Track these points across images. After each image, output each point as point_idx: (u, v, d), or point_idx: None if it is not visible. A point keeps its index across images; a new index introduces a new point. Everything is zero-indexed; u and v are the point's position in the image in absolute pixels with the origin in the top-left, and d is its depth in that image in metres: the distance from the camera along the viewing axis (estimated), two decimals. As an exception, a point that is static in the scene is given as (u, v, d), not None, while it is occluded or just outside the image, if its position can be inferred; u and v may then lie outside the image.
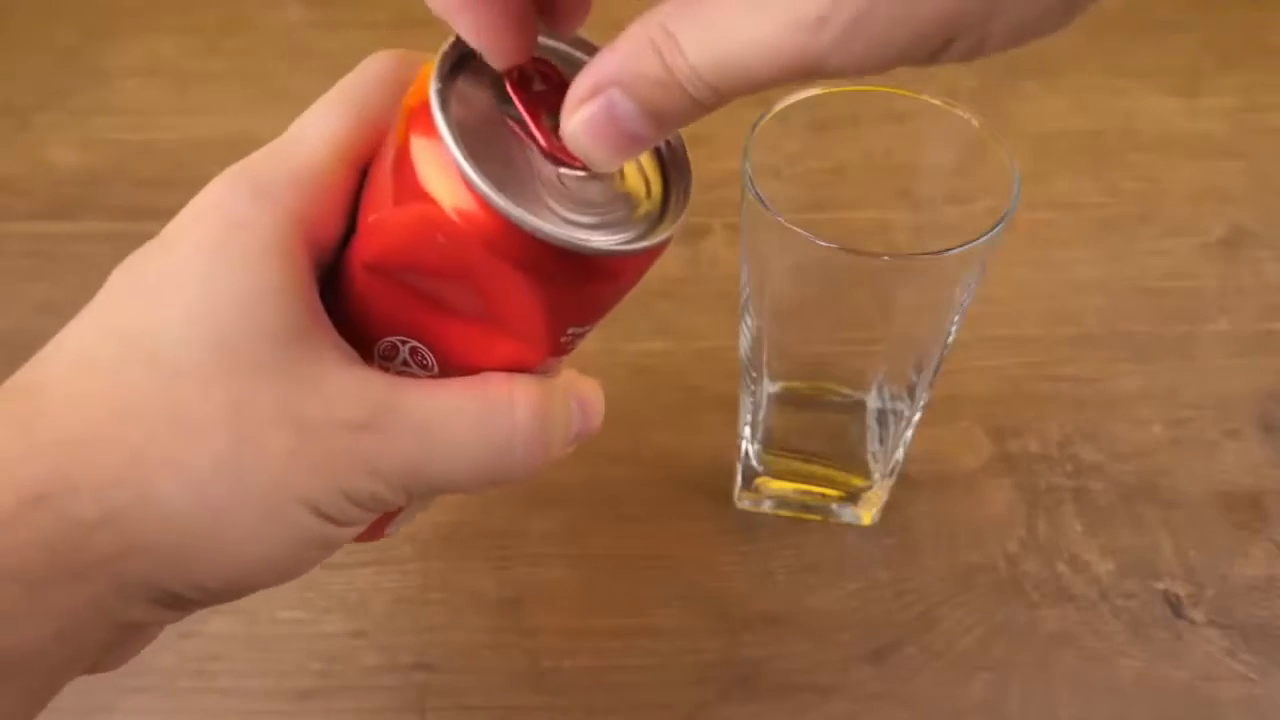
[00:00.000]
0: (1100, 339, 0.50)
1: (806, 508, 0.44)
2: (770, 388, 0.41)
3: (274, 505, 0.24)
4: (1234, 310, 0.51)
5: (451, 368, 0.26)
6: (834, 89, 0.37)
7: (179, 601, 0.25)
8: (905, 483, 0.45)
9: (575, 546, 0.44)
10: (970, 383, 0.48)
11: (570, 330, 0.26)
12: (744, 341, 0.40)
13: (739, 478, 0.44)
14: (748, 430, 0.43)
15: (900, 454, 0.42)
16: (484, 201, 0.23)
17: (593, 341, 0.49)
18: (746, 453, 0.43)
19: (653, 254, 0.25)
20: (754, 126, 0.35)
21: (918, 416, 0.41)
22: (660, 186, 0.26)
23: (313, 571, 0.42)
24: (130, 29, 0.66)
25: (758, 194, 0.34)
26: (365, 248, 0.26)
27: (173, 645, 0.41)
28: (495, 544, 0.43)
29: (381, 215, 0.25)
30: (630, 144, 0.23)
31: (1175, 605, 0.42)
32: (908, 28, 0.19)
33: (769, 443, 0.43)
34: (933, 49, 0.20)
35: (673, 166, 0.27)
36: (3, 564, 0.22)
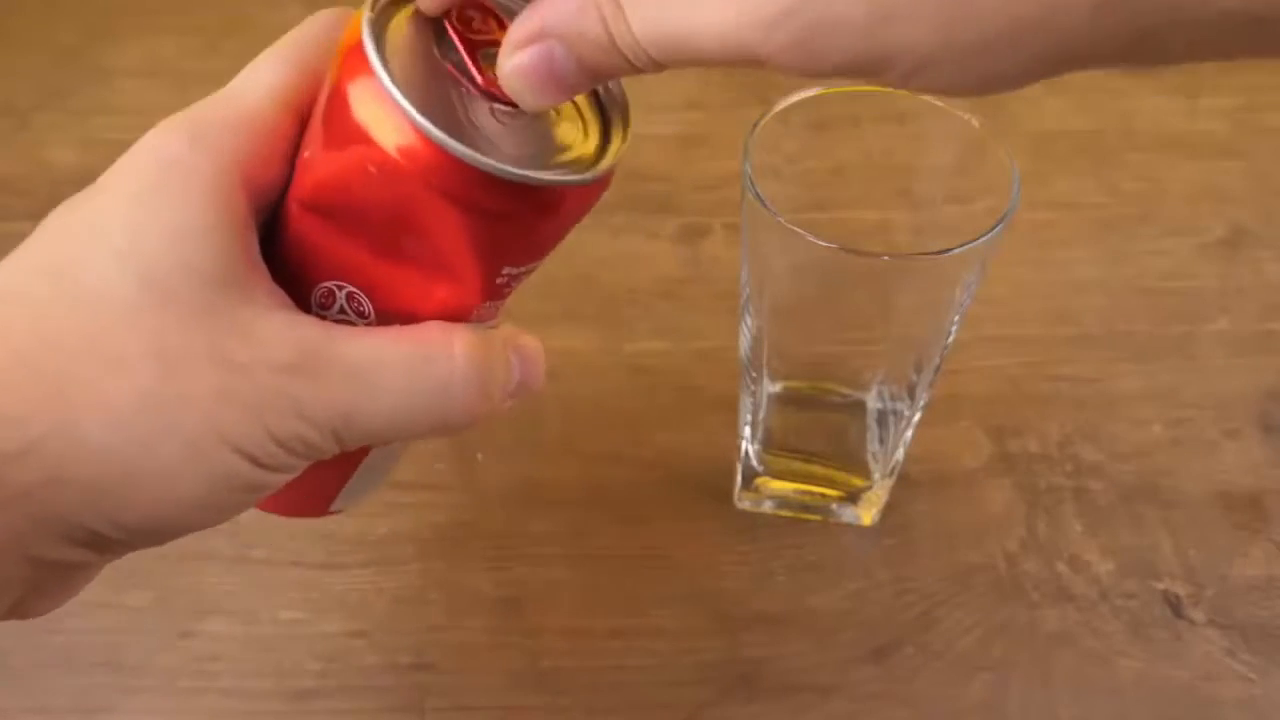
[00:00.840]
0: (1100, 339, 0.50)
1: (806, 508, 0.44)
2: (770, 388, 0.41)
3: (197, 443, 0.24)
4: (1234, 310, 0.51)
5: (389, 314, 0.26)
6: (834, 89, 0.37)
7: (99, 540, 0.24)
8: (905, 483, 0.45)
9: (575, 546, 0.44)
10: (970, 383, 0.48)
11: (506, 270, 0.26)
12: (744, 341, 0.40)
13: (739, 478, 0.44)
14: (748, 430, 0.43)
15: (900, 454, 0.42)
16: (419, 132, 0.23)
17: (593, 341, 0.50)
18: (746, 453, 0.43)
19: (589, 191, 0.26)
20: (754, 126, 0.35)
21: (918, 416, 0.41)
22: (599, 128, 0.27)
23: (313, 572, 0.42)
24: (130, 29, 0.66)
25: (758, 194, 0.34)
26: (300, 185, 0.26)
27: (173, 645, 0.41)
28: (495, 544, 0.43)
29: (315, 151, 0.25)
30: (562, 92, 0.23)
31: (1175, 605, 0.42)
32: (850, 55, 0.20)
33: (769, 443, 0.43)
34: (867, 73, 0.21)
35: (611, 107, 0.27)
36: None
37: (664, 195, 0.56)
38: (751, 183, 0.34)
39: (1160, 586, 0.42)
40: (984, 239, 0.33)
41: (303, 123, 0.26)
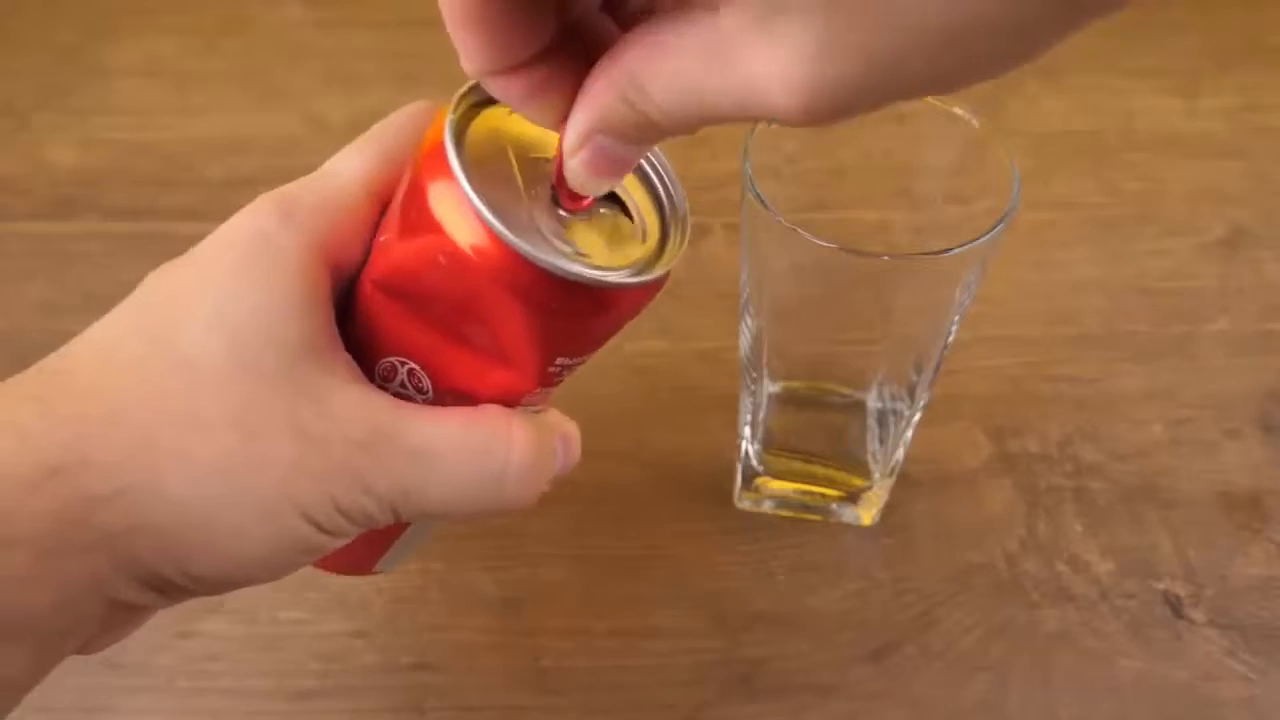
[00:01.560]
0: (1100, 339, 0.50)
1: (806, 508, 0.44)
2: (770, 388, 0.41)
3: (269, 507, 0.25)
4: (1234, 310, 0.52)
5: (446, 392, 0.28)
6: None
7: (169, 586, 0.26)
8: (905, 483, 0.45)
9: (575, 546, 0.44)
10: (970, 383, 0.48)
11: (560, 361, 0.27)
12: (744, 341, 0.40)
13: (739, 478, 0.44)
14: (748, 430, 0.43)
15: (900, 454, 0.42)
16: (491, 234, 0.24)
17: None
18: (746, 453, 0.43)
19: (645, 290, 0.27)
20: (754, 126, 0.35)
21: (918, 416, 0.41)
22: (659, 232, 0.28)
23: (313, 572, 0.42)
24: (130, 29, 0.66)
25: (758, 194, 0.34)
26: (376, 266, 0.27)
27: (173, 645, 0.41)
28: (495, 544, 0.43)
29: (391, 236, 0.27)
30: (622, 170, 0.25)
31: (1175, 605, 0.42)
32: (865, 101, 0.20)
33: (769, 443, 0.43)
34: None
35: (670, 215, 0.29)
36: (17, 530, 0.23)
37: (664, 195, 0.56)
38: (751, 183, 0.34)
39: (1160, 586, 0.42)
40: (984, 239, 0.33)
41: (384, 207, 0.28)
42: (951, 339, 0.38)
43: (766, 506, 0.44)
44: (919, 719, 0.39)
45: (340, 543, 0.27)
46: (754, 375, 0.41)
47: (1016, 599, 0.42)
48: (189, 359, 0.25)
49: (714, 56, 0.20)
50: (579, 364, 0.28)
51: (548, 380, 0.28)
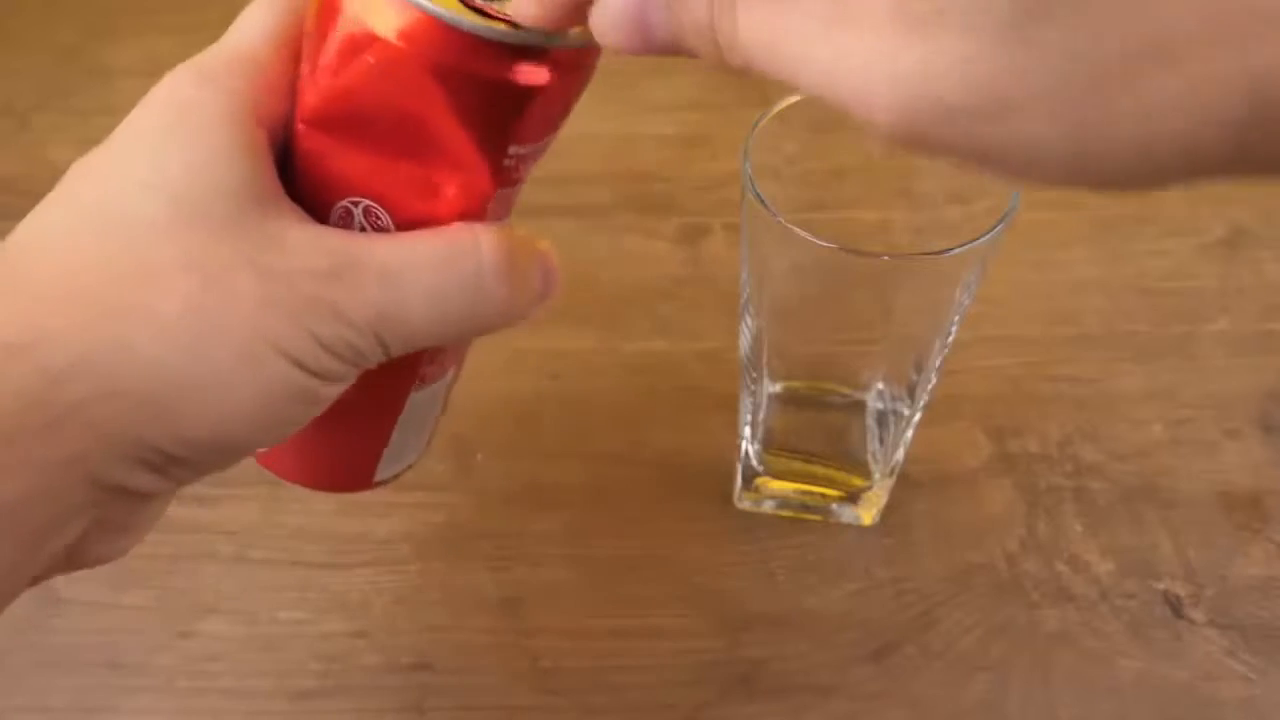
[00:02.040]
0: (1100, 339, 0.50)
1: (806, 508, 0.44)
2: (770, 388, 0.41)
3: (245, 348, 0.24)
4: (1234, 310, 0.51)
5: (407, 223, 0.27)
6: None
7: (165, 461, 0.25)
8: (905, 483, 0.45)
9: (575, 546, 0.44)
10: (970, 383, 0.48)
11: (512, 150, 0.26)
12: (744, 341, 0.40)
13: (739, 478, 0.44)
14: (748, 430, 0.43)
15: (900, 454, 0.42)
16: (413, 6, 0.24)
17: (593, 341, 0.50)
18: (746, 453, 0.43)
19: (583, 55, 0.26)
20: (754, 126, 0.35)
21: (917, 416, 0.41)
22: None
23: (313, 572, 0.42)
24: (130, 29, 0.66)
25: (758, 194, 0.34)
26: (304, 104, 0.26)
27: (173, 645, 0.41)
28: (495, 544, 0.43)
29: (311, 66, 0.26)
30: (640, 44, 0.22)
31: (1175, 605, 0.42)
32: (958, 142, 0.19)
33: (769, 443, 0.43)
34: (978, 162, 0.19)
35: None
36: None
37: (664, 195, 0.56)
38: (751, 183, 0.34)
39: (1160, 586, 0.42)
40: (984, 239, 0.33)
41: (297, 59, 0.27)
42: (951, 339, 0.38)
43: (766, 506, 0.44)
44: (919, 719, 0.39)
45: (334, 389, 0.26)
46: (754, 375, 0.41)
47: (1016, 599, 0.42)
48: (132, 218, 0.24)
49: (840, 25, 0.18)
50: (535, 154, 0.27)
51: (506, 178, 0.27)
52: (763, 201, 0.34)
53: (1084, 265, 0.53)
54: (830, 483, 0.43)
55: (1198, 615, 0.41)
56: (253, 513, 0.44)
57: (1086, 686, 0.40)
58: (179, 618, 0.41)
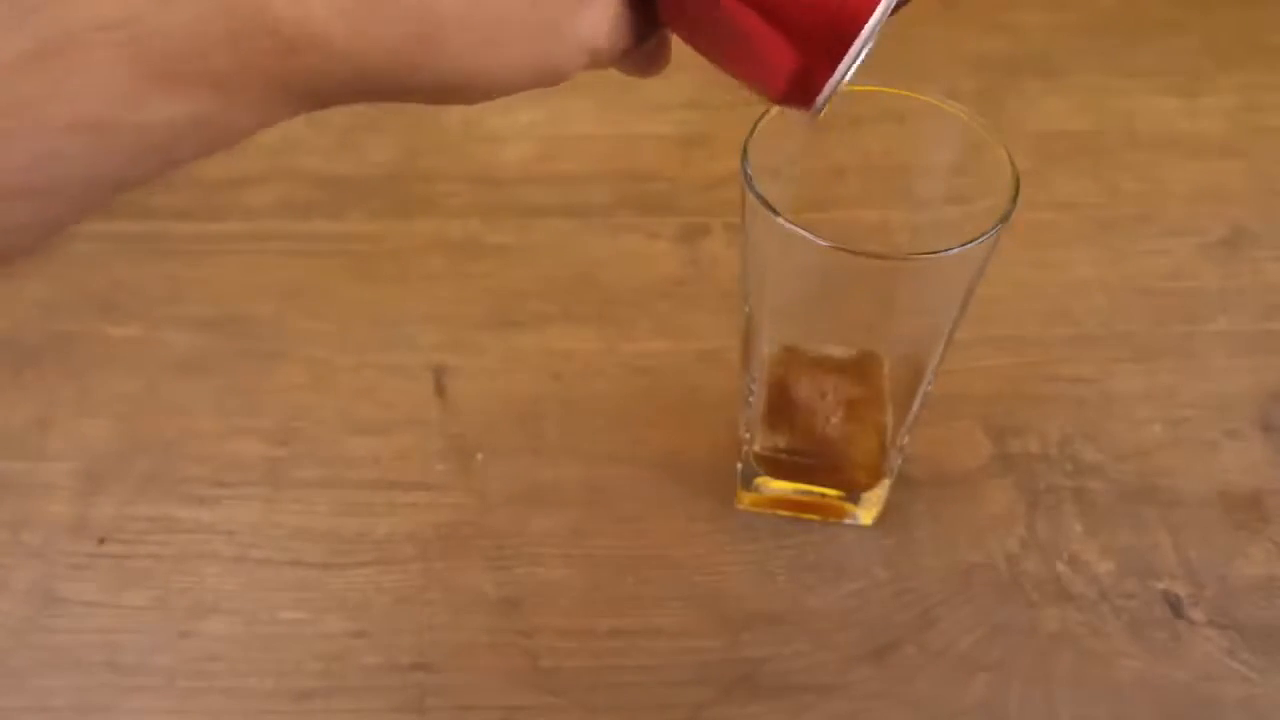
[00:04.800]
0: (1100, 339, 0.50)
1: (806, 508, 0.44)
2: (770, 387, 0.41)
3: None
4: (1234, 310, 0.51)
5: None
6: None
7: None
8: (905, 483, 0.45)
9: (575, 546, 0.44)
10: (970, 383, 0.48)
11: None
12: (743, 341, 0.40)
13: (739, 478, 0.44)
14: (747, 431, 0.43)
15: (900, 454, 0.42)
16: None
17: (593, 341, 0.50)
18: (746, 453, 0.43)
19: None
20: (754, 126, 0.35)
21: (917, 416, 0.41)
22: None
23: (313, 571, 0.42)
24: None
25: (758, 194, 0.34)
26: None
27: (173, 645, 0.41)
28: (495, 544, 0.43)
29: None
30: None
31: (1175, 605, 0.42)
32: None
33: (769, 442, 0.43)
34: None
35: None
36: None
37: (664, 195, 0.56)
38: (751, 183, 0.34)
39: (1160, 586, 0.42)
40: (984, 239, 0.33)
41: None
42: (951, 339, 0.38)
43: (766, 507, 0.44)
44: (919, 719, 0.39)
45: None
46: (754, 375, 0.41)
47: (1016, 599, 0.42)
48: None
49: None
50: None
51: None
52: (763, 201, 0.34)
53: (1084, 265, 0.53)
54: (830, 482, 0.43)
55: (1198, 615, 0.41)
56: (253, 513, 0.44)
57: (1086, 686, 0.40)
58: (179, 618, 0.41)
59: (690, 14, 0.28)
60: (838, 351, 0.41)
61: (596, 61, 0.27)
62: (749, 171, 0.34)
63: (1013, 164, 0.35)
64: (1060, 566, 0.43)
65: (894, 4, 0.27)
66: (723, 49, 0.29)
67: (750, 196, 0.34)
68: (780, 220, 0.34)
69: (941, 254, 0.33)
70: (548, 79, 0.26)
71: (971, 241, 0.33)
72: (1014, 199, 0.34)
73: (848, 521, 0.44)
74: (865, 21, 0.26)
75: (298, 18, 0.22)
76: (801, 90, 0.28)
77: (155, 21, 0.21)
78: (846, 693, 0.40)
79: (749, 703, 0.39)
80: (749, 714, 0.39)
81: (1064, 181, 0.58)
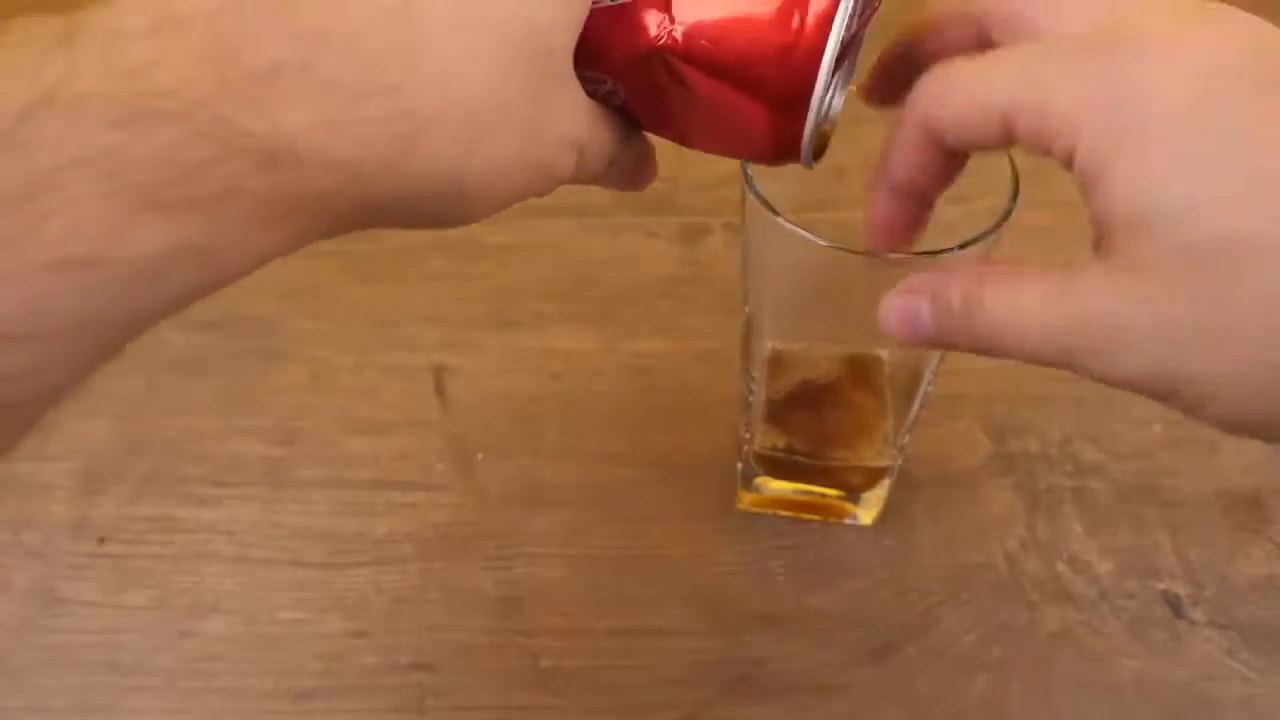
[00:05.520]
0: (1100, 339, 0.50)
1: (806, 508, 0.44)
2: (770, 387, 0.41)
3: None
4: (1234, 310, 0.51)
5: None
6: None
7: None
8: (905, 483, 0.45)
9: (575, 546, 0.44)
10: (970, 383, 0.48)
11: None
12: (743, 341, 0.40)
13: (739, 478, 0.44)
14: (747, 431, 0.43)
15: (900, 454, 0.42)
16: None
17: (593, 341, 0.50)
18: (746, 453, 0.43)
19: None
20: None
21: (917, 416, 0.41)
22: None
23: (313, 571, 0.42)
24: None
25: (758, 194, 0.34)
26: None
27: (173, 645, 0.41)
28: (495, 544, 0.43)
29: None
30: (913, 338, 0.28)
31: (1175, 605, 0.42)
32: (1136, 373, 0.29)
33: (768, 442, 0.43)
34: (1156, 396, 0.28)
35: None
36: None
37: (664, 195, 0.56)
38: (751, 183, 0.34)
39: (1160, 586, 0.42)
40: (984, 239, 0.33)
41: None
42: (951, 339, 0.38)
43: (766, 507, 0.44)
44: (919, 719, 0.39)
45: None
46: (753, 375, 0.41)
47: (1016, 599, 0.42)
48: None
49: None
50: None
51: None
52: (763, 201, 0.34)
53: (1084, 265, 0.53)
54: (830, 482, 0.43)
55: (1198, 615, 0.41)
56: (253, 513, 0.44)
57: (1086, 686, 0.40)
58: (179, 618, 0.41)
59: (661, 106, 0.28)
60: (838, 351, 0.41)
61: (584, 161, 0.28)
62: (749, 171, 0.34)
63: (1013, 164, 0.35)
64: (1060, 566, 0.43)
65: (850, 35, 0.26)
66: (703, 129, 0.29)
67: (750, 196, 0.34)
68: (780, 220, 0.33)
69: (941, 254, 0.33)
70: (541, 178, 0.26)
71: (971, 241, 0.33)
72: (1014, 199, 0.34)
73: (848, 521, 0.44)
74: (819, 62, 0.26)
75: (269, 131, 0.21)
76: (789, 145, 0.28)
77: (133, 152, 0.20)
78: (846, 693, 0.40)
79: (749, 703, 0.39)
80: (749, 714, 0.39)
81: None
